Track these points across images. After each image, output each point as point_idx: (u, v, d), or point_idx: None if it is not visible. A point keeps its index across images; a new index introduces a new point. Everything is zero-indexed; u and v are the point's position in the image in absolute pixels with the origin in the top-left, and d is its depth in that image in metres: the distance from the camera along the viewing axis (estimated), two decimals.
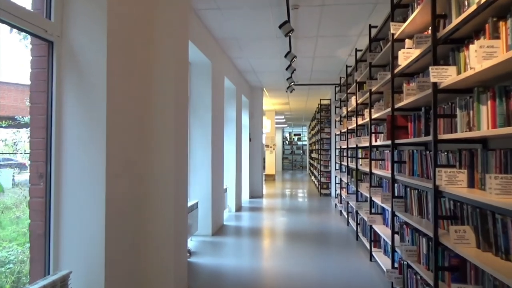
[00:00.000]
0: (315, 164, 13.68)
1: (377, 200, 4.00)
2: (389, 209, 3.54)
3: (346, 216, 6.41)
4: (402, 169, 3.45)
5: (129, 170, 2.72)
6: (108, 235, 2.38)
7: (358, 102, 5.25)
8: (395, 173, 3.45)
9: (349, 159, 6.39)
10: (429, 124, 2.80)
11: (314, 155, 14.39)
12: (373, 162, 4.38)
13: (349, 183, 6.13)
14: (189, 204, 4.87)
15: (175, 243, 2.98)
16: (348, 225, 6.28)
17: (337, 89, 8.52)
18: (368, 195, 4.45)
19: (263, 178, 13.34)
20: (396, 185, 3.45)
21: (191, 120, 5.44)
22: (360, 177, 5.32)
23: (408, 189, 3.17)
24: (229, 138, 7.64)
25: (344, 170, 7.22)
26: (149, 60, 2.98)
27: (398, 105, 3.24)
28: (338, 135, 7.90)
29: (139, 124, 2.88)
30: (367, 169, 4.57)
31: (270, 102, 13.03)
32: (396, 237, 3.36)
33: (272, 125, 15.37)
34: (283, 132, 24.56)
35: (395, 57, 3.38)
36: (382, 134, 4.24)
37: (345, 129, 6.57)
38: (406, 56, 2.97)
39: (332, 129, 10.15)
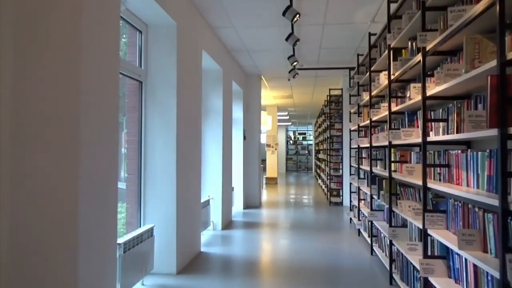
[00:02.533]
0: (322, 166, 11.90)
1: (442, 237, 2.27)
2: (464, 255, 1.82)
3: (369, 241, 4.67)
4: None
5: None
6: None
7: (392, 78, 3.50)
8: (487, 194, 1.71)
9: (372, 162, 4.65)
10: None
11: (321, 155, 12.61)
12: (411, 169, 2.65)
13: (374, 196, 4.40)
14: (137, 232, 3.18)
15: None
16: (372, 254, 4.53)
17: (353, 72, 6.77)
18: (417, 224, 2.71)
19: (263, 183, 11.61)
20: (471, 211, 1.71)
21: (147, 105, 3.74)
22: (394, 190, 3.59)
23: None
24: (213, 135, 5.92)
25: (363, 176, 5.49)
26: None
27: None
28: (354, 130, 6.15)
29: None
30: (410, 180, 2.83)
31: (270, 95, 11.29)
32: None
33: (274, 122, 13.59)
34: (286, 131, 22.80)
35: None
36: (442, 123, 2.53)
37: (367, 122, 4.85)
38: None
39: (344, 125, 8.41)
